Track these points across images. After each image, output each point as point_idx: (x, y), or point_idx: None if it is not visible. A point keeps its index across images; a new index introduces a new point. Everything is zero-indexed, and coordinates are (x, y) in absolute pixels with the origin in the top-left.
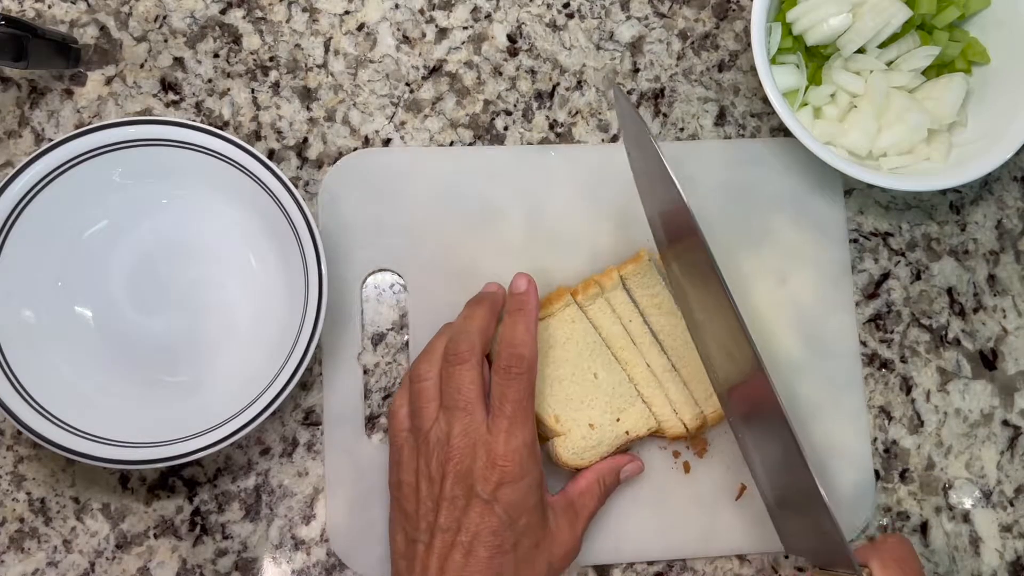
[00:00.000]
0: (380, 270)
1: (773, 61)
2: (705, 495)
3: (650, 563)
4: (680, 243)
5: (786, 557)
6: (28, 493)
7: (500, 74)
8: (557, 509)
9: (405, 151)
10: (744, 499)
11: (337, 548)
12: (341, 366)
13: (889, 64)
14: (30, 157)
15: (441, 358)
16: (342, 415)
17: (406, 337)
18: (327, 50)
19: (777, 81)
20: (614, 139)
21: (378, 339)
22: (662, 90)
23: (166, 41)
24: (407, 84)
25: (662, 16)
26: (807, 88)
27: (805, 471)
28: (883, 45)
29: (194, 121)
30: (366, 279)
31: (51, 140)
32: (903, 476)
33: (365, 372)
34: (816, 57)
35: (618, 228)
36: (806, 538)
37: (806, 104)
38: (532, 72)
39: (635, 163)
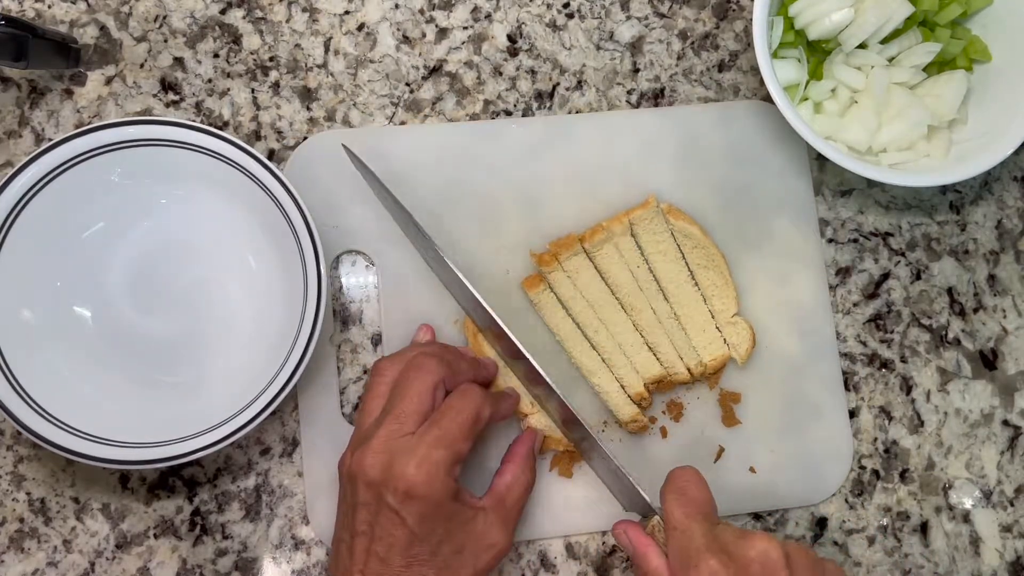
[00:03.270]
0: (349, 251)
1: (774, 55)
2: (684, 459)
3: None
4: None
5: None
6: (28, 493)
7: (500, 74)
8: (488, 510)
9: (370, 130)
10: (722, 461)
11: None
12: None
13: (890, 60)
14: (29, 157)
15: (400, 361)
16: (317, 402)
17: (377, 325)
18: (327, 50)
19: (778, 75)
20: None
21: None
22: (662, 90)
23: (166, 41)
24: (407, 84)
25: (662, 16)
26: (808, 83)
27: (595, 443)
28: (885, 41)
29: (194, 121)
30: (338, 259)
31: (51, 140)
32: (903, 476)
33: (339, 350)
34: (817, 52)
35: (599, 194)
36: (628, 498)
37: (807, 99)
38: (532, 72)
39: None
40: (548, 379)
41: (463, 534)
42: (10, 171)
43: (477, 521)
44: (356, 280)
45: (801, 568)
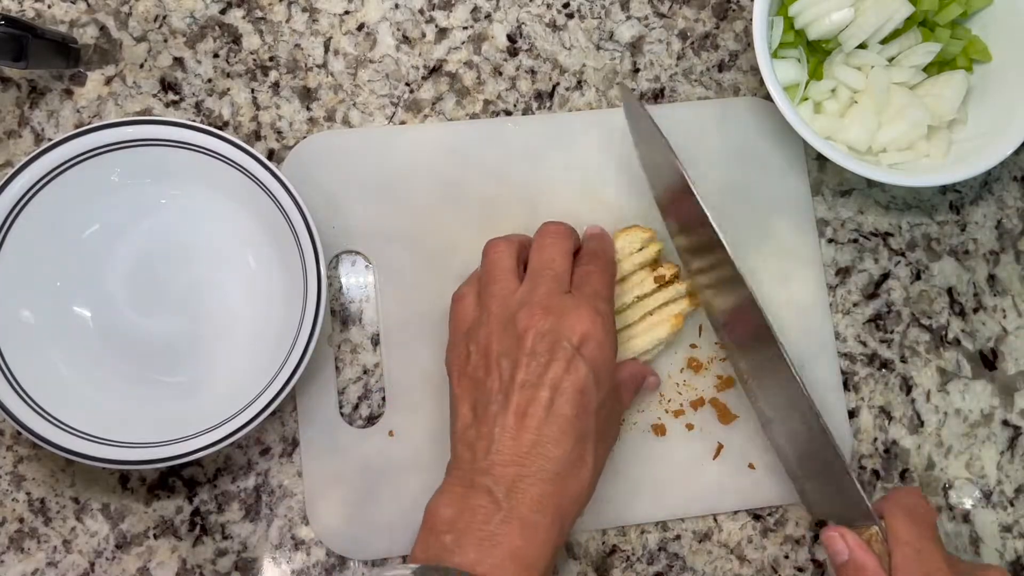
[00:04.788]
0: (346, 252)
1: (774, 55)
2: (683, 456)
3: (643, 531)
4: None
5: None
6: (28, 493)
7: (500, 74)
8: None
9: (368, 130)
10: (721, 458)
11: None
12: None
13: (890, 60)
14: (28, 158)
15: (517, 244)
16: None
17: (377, 325)
18: (327, 50)
19: (778, 75)
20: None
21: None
22: (662, 90)
23: (166, 41)
24: (407, 84)
25: (662, 16)
26: (808, 83)
27: (822, 435)
28: (885, 41)
29: (193, 121)
30: (338, 259)
31: (51, 140)
32: (903, 476)
33: (338, 349)
34: (817, 52)
35: (593, 193)
36: (827, 498)
37: (807, 99)
38: (532, 72)
39: (644, 158)
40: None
41: (617, 402)
42: (10, 171)
43: (619, 391)
44: (356, 280)
45: None
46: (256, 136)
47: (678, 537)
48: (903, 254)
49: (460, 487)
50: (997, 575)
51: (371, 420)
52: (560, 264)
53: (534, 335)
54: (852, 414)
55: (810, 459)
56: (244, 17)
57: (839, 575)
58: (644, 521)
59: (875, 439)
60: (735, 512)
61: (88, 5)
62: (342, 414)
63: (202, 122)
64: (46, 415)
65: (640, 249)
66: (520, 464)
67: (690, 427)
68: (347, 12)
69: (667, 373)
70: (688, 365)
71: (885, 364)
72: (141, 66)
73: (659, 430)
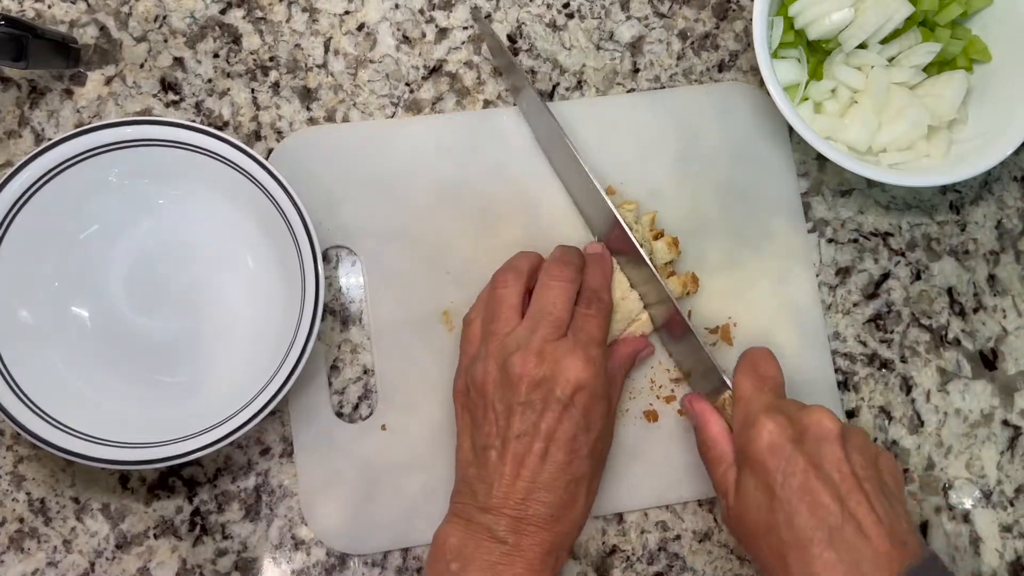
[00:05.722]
0: (335, 247)
1: (774, 55)
2: (675, 444)
3: (643, 531)
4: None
5: None
6: (28, 493)
7: (500, 74)
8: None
9: (356, 126)
10: None
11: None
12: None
13: (890, 60)
14: (26, 158)
15: (526, 275)
16: (309, 401)
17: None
18: (327, 50)
19: (778, 75)
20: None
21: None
22: (662, 90)
23: (166, 41)
24: (407, 84)
25: (662, 16)
26: (808, 83)
27: (676, 311)
28: (885, 41)
29: (194, 121)
30: (338, 260)
31: (51, 140)
32: (903, 476)
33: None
34: (817, 52)
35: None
36: (705, 381)
37: (807, 99)
38: (532, 72)
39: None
40: (639, 247)
41: (610, 434)
42: (8, 171)
43: (613, 384)
44: (356, 280)
45: (855, 445)
46: (256, 136)
47: (678, 537)
48: (903, 254)
49: (463, 520)
50: (820, 413)
51: (369, 419)
52: (561, 308)
53: (527, 384)
54: (852, 414)
55: (702, 374)
56: (244, 17)
57: (696, 437)
58: (639, 508)
59: (875, 439)
60: None
61: (88, 5)
62: (342, 413)
63: (202, 122)
64: (44, 416)
65: (636, 221)
66: (517, 508)
67: (682, 412)
68: (347, 12)
69: (657, 359)
70: None
71: (885, 364)
72: (141, 66)
73: (651, 416)
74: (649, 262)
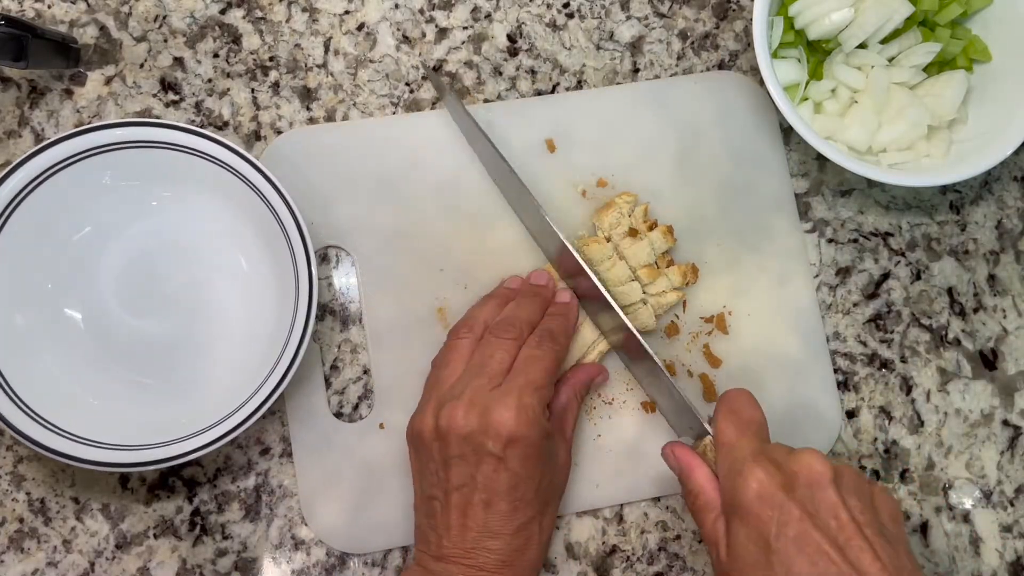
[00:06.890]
0: (329, 246)
1: (774, 55)
2: (672, 437)
3: (643, 531)
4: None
5: None
6: (28, 493)
7: (500, 74)
8: (554, 435)
9: (351, 124)
10: None
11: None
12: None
13: (890, 60)
14: (18, 160)
15: (482, 326)
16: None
17: (359, 314)
18: (327, 50)
19: (778, 75)
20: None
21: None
22: None
23: (166, 41)
24: (407, 84)
25: (662, 16)
26: (808, 83)
27: (651, 359)
28: (885, 41)
29: (193, 121)
30: (338, 260)
31: (48, 140)
32: (903, 476)
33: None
34: (817, 52)
35: (580, 187)
36: (680, 420)
37: (807, 99)
38: (532, 72)
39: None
40: (603, 290)
41: (552, 469)
42: (1, 173)
43: (556, 449)
44: (355, 280)
45: (849, 487)
46: (256, 136)
47: (678, 537)
48: (903, 254)
49: (421, 569)
50: (810, 457)
51: (368, 418)
52: (499, 362)
53: (455, 437)
54: (852, 414)
55: (676, 413)
56: (244, 17)
57: (681, 487)
58: (638, 500)
59: (875, 439)
60: None
61: (88, 5)
62: (342, 413)
63: (202, 122)
64: (40, 419)
65: (630, 214)
66: (468, 557)
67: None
68: (347, 12)
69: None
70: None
71: (885, 364)
72: (141, 66)
73: (649, 407)
74: (606, 292)
